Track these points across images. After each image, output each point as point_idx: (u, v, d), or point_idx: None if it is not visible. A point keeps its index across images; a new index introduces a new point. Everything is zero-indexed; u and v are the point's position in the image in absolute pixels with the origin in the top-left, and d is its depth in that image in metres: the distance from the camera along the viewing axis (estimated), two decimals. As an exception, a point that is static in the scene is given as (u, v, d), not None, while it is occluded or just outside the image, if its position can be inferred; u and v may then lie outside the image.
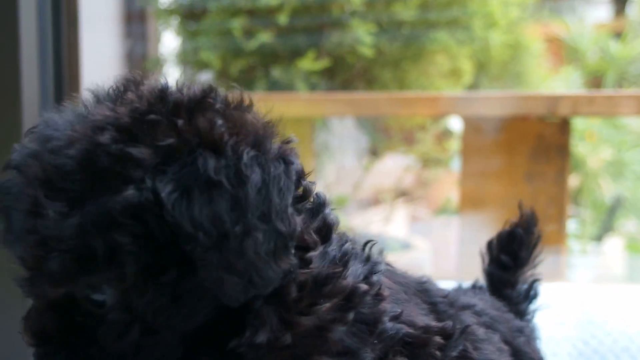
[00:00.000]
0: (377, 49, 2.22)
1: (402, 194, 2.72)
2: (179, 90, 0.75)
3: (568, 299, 1.21)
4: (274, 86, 2.19)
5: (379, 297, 0.82)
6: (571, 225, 3.22)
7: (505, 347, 0.94)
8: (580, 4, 5.97)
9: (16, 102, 1.59)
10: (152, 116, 0.70)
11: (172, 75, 2.42)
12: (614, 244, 3.69)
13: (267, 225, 0.69)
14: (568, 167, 1.72)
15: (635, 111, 1.71)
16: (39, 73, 1.63)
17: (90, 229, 0.67)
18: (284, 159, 0.72)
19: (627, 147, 3.74)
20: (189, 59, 2.36)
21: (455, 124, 2.61)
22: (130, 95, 0.75)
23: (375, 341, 0.80)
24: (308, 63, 2.13)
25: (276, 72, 2.18)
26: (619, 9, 5.59)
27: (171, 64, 2.55)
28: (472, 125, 1.75)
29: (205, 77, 2.38)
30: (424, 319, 0.86)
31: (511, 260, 1.05)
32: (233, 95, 0.77)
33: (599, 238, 3.60)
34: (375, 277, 0.83)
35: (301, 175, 0.77)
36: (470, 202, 1.73)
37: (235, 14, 2.13)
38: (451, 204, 2.58)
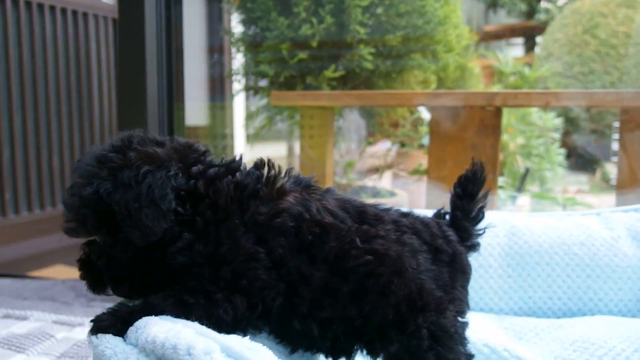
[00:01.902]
0: (375, 64, 2.22)
1: (389, 162, 2.71)
2: (127, 144, 0.94)
3: (500, 220, 1.22)
4: (307, 88, 2.19)
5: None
6: (500, 181, 3.24)
7: (423, 247, 0.95)
8: (505, 44, 6.15)
9: (143, 100, 1.60)
10: (112, 154, 0.91)
11: (240, 82, 2.43)
12: (524, 199, 3.72)
13: (152, 205, 0.87)
14: (499, 139, 1.72)
15: (543, 104, 1.70)
16: (158, 86, 1.64)
17: (80, 204, 0.90)
18: (167, 170, 0.89)
19: (533, 137, 3.81)
20: (252, 71, 2.36)
21: (425, 114, 2.61)
22: (113, 142, 0.97)
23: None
24: (330, 73, 2.13)
25: (309, 79, 2.18)
26: (529, 48, 5.80)
27: (239, 75, 2.54)
28: (437, 112, 1.75)
29: (262, 83, 2.40)
30: (324, 218, 0.92)
31: (463, 192, 1.05)
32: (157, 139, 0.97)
33: (515, 194, 3.64)
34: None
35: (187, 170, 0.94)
36: (435, 164, 1.73)
37: (283, 41, 2.13)
38: (421, 167, 2.57)
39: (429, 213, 1.04)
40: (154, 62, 1.61)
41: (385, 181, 2.70)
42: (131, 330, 0.72)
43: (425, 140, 2.44)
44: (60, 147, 3.34)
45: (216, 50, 3.88)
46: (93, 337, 0.81)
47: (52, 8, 3.29)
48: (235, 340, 0.59)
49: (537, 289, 1.14)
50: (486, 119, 1.68)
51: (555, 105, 1.61)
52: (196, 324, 0.70)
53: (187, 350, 0.56)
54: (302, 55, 2.10)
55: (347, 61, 2.16)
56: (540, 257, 1.15)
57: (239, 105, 4.51)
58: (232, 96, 2.70)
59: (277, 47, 2.12)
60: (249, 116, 2.56)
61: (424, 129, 2.66)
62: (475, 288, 1.13)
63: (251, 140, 4.36)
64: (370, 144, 2.79)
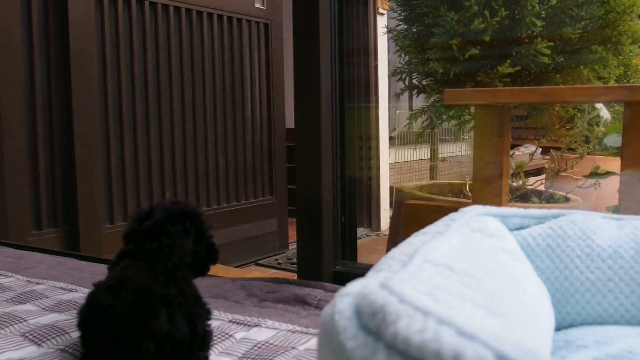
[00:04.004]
0: (552, 59, 2.06)
1: (562, 165, 2.51)
2: None
3: None
4: (477, 85, 2.08)
5: None
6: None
7: None
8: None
9: (317, 101, 1.58)
10: None
11: (404, 81, 2.36)
12: None
13: None
14: None
15: None
16: (331, 87, 1.61)
17: None
18: None
19: None
20: (418, 69, 2.27)
21: (604, 112, 2.39)
22: None
23: None
24: (504, 69, 2.00)
25: (480, 76, 2.07)
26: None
27: (402, 74, 2.45)
28: (633, 109, 1.58)
29: (426, 82, 2.30)
30: None
31: None
32: None
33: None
34: None
35: None
36: (629, 165, 1.57)
37: (452, 37, 2.03)
38: (599, 169, 2.36)
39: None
40: (327, 63, 1.58)
41: (557, 185, 2.51)
42: (366, 313, 0.58)
43: (609, 140, 2.23)
44: (215, 149, 3.44)
45: (365, 51, 3.85)
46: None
47: (210, 15, 3.40)
48: (509, 343, 0.49)
49: None
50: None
51: None
52: (454, 318, 0.56)
53: (454, 358, 0.47)
54: (474, 50, 1.99)
55: (522, 56, 2.02)
56: None
57: (384, 106, 4.46)
58: (396, 96, 2.63)
59: (445, 43, 2.02)
60: (413, 116, 2.47)
61: (600, 129, 2.44)
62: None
63: (413, 141, 4.28)
64: (541, 144, 2.61)
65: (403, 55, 2.34)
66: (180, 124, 3.24)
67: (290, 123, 3.99)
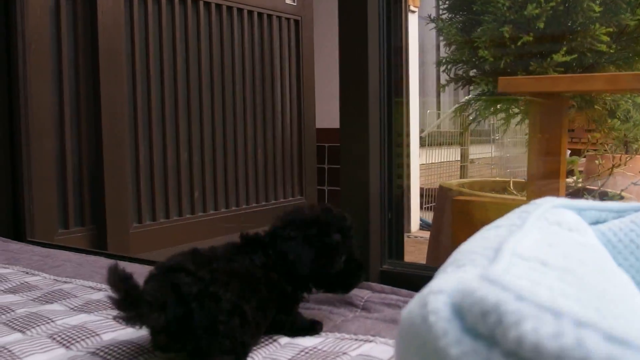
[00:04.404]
0: (608, 45, 1.93)
1: (616, 162, 2.36)
2: None
3: None
4: (530, 74, 1.95)
5: None
6: None
7: None
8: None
9: (364, 96, 1.49)
10: None
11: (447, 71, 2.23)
12: None
13: None
14: None
15: None
16: (380, 81, 1.52)
17: None
18: None
19: None
20: (464, 59, 2.14)
21: (663, 106, 2.25)
22: None
23: None
24: (559, 57, 1.87)
25: (533, 64, 1.94)
26: None
27: (449, 63, 2.32)
28: None
29: (472, 72, 2.18)
30: None
31: None
32: None
33: None
34: None
35: None
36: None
37: (503, 24, 1.91)
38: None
39: None
40: (376, 58, 1.48)
41: (610, 184, 2.37)
42: (473, 313, 0.46)
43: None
44: (244, 148, 3.35)
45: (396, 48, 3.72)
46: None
47: (240, 11, 3.31)
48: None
49: None
50: None
51: None
52: (597, 319, 0.43)
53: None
54: (527, 38, 1.86)
55: (577, 44, 1.89)
56: None
57: (414, 105, 4.34)
58: (442, 87, 2.50)
59: (496, 31, 1.90)
60: (459, 109, 2.34)
61: (656, 124, 2.29)
62: None
63: (443, 141, 4.14)
64: (595, 138, 2.46)
65: (448, 46, 2.22)
66: (210, 123, 3.16)
67: (320, 123, 3.89)
